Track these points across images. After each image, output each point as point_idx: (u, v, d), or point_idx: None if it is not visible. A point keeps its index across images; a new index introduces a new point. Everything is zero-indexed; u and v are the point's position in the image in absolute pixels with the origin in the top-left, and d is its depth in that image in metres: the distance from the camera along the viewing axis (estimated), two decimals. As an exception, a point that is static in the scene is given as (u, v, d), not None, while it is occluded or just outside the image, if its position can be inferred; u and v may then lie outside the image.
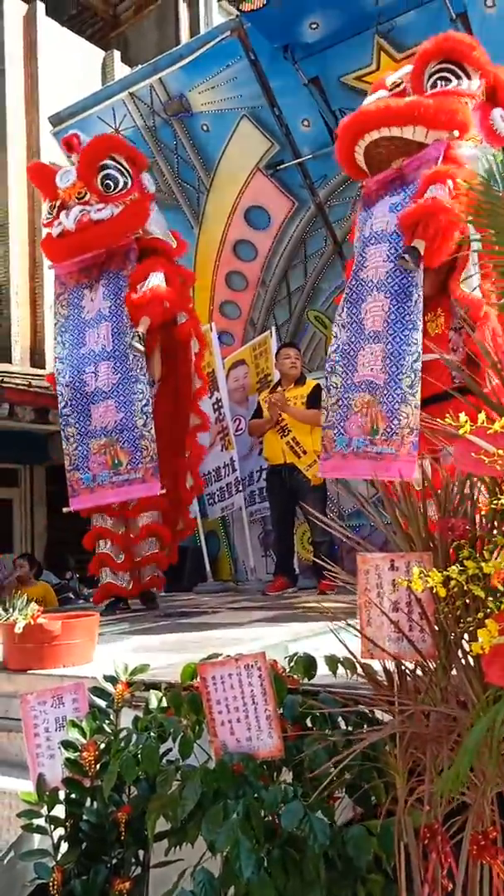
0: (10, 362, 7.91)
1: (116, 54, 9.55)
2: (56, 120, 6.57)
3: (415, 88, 3.71)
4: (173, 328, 4.84)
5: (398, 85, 3.80)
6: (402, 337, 3.32)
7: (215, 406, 5.98)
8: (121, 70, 9.34)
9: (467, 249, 3.28)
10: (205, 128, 6.00)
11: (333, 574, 1.99)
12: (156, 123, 6.09)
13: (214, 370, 5.91)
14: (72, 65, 8.98)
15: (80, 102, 6.44)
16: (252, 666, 1.88)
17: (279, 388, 5.18)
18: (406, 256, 3.29)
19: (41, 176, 4.79)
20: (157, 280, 4.46)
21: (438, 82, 3.63)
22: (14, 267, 8.28)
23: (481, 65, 3.65)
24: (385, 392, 3.34)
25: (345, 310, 3.64)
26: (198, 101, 5.88)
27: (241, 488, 5.88)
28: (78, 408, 4.50)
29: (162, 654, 2.85)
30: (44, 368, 8.06)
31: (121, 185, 4.58)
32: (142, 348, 4.35)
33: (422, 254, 3.31)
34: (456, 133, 3.46)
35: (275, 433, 5.08)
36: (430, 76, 3.67)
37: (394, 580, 1.82)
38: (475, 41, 3.78)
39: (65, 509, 4.63)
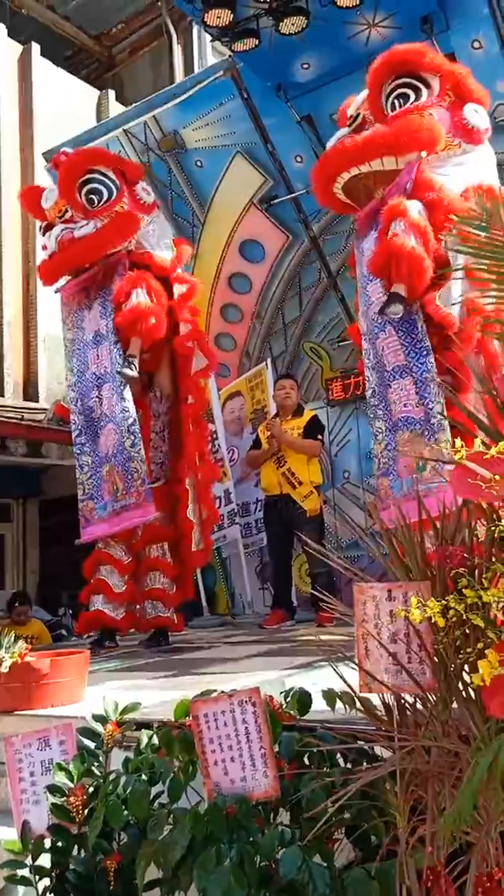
0: (2, 395, 7.89)
1: (111, 94, 9.72)
2: (51, 156, 6.64)
3: (374, 115, 3.58)
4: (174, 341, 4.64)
5: (355, 118, 3.68)
6: (430, 364, 3.25)
7: (210, 437, 5.94)
8: (115, 109, 9.49)
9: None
10: (199, 164, 6.08)
11: (331, 606, 1.93)
12: (150, 159, 6.17)
13: (210, 402, 5.88)
14: (66, 104, 9.12)
15: (74, 139, 6.52)
16: (246, 702, 1.81)
17: (276, 420, 5.16)
18: (389, 309, 3.19)
19: (30, 200, 4.72)
20: (137, 298, 4.27)
21: (396, 102, 3.48)
22: (7, 300, 8.30)
23: (437, 67, 3.49)
24: (430, 423, 3.24)
25: (370, 352, 3.55)
26: (192, 138, 5.96)
27: (236, 520, 5.82)
28: (91, 435, 4.35)
29: (154, 691, 2.77)
30: (36, 402, 8.03)
31: (105, 197, 4.38)
32: (131, 373, 4.17)
33: (404, 295, 3.24)
34: (424, 153, 3.34)
35: (271, 464, 5.05)
36: (387, 97, 3.52)
37: (391, 611, 1.77)
38: (423, 45, 3.62)
39: (77, 541, 4.42)
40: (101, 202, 4.38)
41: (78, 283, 4.51)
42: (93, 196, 4.39)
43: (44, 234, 4.62)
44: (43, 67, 9.08)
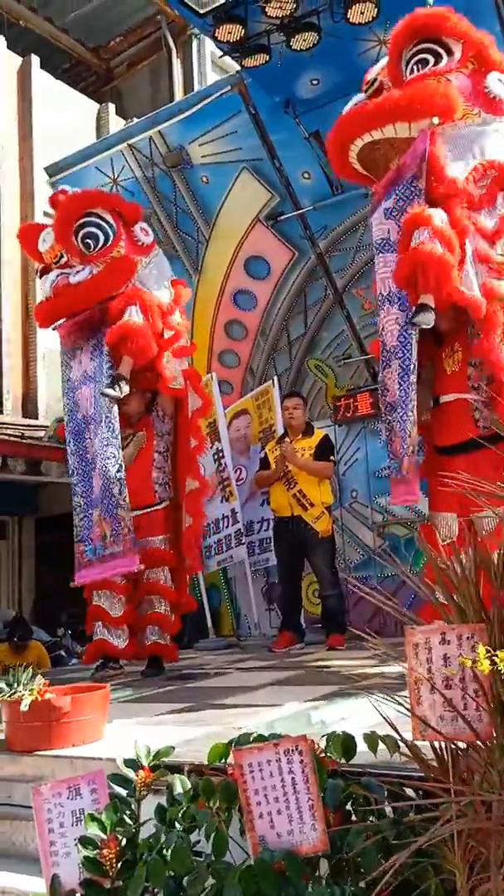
0: (1, 413, 7.79)
1: (111, 107, 9.69)
2: (53, 170, 6.60)
3: (394, 82, 3.41)
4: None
5: (373, 84, 3.53)
6: (410, 352, 3.17)
7: (216, 456, 5.87)
8: (115, 122, 9.46)
9: None
10: (204, 179, 6.03)
11: (374, 644, 1.85)
12: (154, 174, 6.12)
13: (216, 420, 5.81)
14: (66, 117, 9.08)
15: (77, 153, 6.47)
16: (293, 751, 1.72)
17: (286, 440, 5.08)
18: (418, 319, 3.08)
19: (27, 239, 4.62)
20: (129, 315, 4.15)
21: (416, 67, 3.30)
22: (6, 317, 8.22)
23: (461, 33, 3.30)
24: (399, 411, 3.19)
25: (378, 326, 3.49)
26: (197, 154, 5.91)
27: (242, 540, 5.73)
28: (83, 476, 4.26)
29: (177, 727, 2.68)
30: (36, 419, 7.93)
31: (101, 241, 4.28)
32: (114, 394, 4.05)
33: (433, 305, 3.16)
34: (436, 120, 3.16)
35: (281, 485, 4.97)
36: (407, 63, 3.35)
37: (446, 654, 1.69)
38: (447, 9, 3.41)
39: (71, 584, 4.34)
40: (98, 247, 4.28)
41: (74, 323, 4.42)
42: (89, 241, 4.29)
43: (40, 278, 4.54)
44: (42, 80, 9.04)
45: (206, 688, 3.70)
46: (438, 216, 3.09)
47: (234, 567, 6.05)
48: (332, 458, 5.01)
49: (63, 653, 6.72)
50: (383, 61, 3.58)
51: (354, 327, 6.13)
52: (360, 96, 3.60)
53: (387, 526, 5.60)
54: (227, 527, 5.88)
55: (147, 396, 4.47)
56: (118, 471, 4.09)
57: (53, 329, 4.65)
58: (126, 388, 4.11)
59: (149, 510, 4.32)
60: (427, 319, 3.06)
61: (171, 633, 4.41)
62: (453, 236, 3.07)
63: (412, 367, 3.18)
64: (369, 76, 3.61)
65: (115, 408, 4.18)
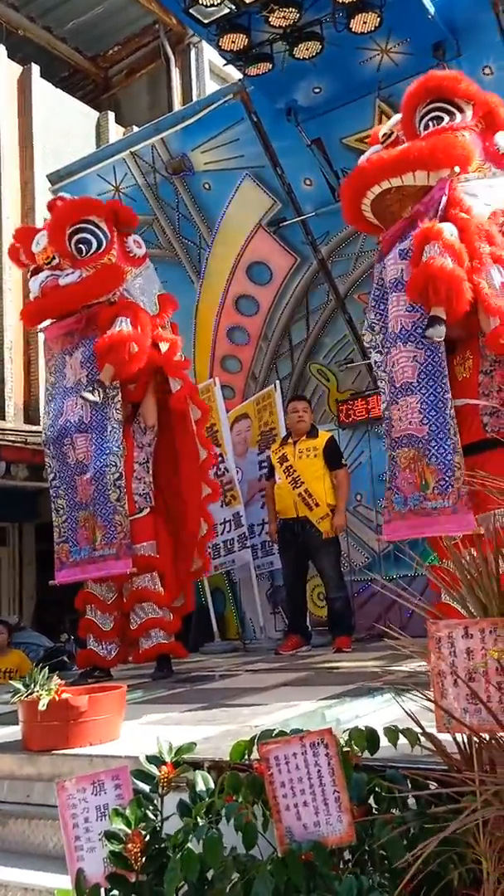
0: (3, 419, 7.79)
1: (111, 115, 9.73)
2: (55, 178, 6.64)
3: (407, 135, 3.62)
4: (166, 395, 4.59)
5: (389, 136, 3.73)
6: (443, 386, 3.23)
7: (217, 460, 5.88)
8: (115, 131, 9.51)
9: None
10: (207, 186, 6.08)
11: (400, 642, 1.88)
12: (157, 181, 6.17)
13: (216, 424, 5.84)
14: (66, 125, 9.13)
15: (79, 161, 6.53)
16: (318, 744, 1.75)
17: (289, 441, 5.11)
18: (430, 332, 3.16)
19: (23, 239, 4.69)
20: (119, 325, 4.20)
21: (430, 123, 3.51)
22: (8, 323, 8.23)
23: (472, 95, 3.54)
24: (433, 445, 3.22)
25: (385, 363, 3.52)
26: (200, 161, 5.96)
27: (246, 543, 5.75)
28: (66, 480, 4.34)
29: (192, 726, 2.69)
30: (37, 425, 7.93)
31: (94, 247, 4.35)
32: (91, 398, 4.14)
33: (444, 318, 3.20)
34: (457, 169, 3.35)
35: (286, 485, 5.00)
36: (421, 119, 3.56)
37: (469, 648, 1.72)
38: (459, 73, 3.66)
39: (51, 582, 4.47)
40: (90, 252, 4.36)
41: (61, 326, 4.48)
42: (81, 245, 4.36)
43: (31, 278, 4.59)
44: (42, 88, 9.09)
45: (216, 689, 3.72)
46: (448, 230, 3.19)
47: (238, 570, 6.06)
48: (343, 462, 5.08)
49: (66, 658, 6.68)
50: (396, 117, 3.76)
51: (356, 332, 6.17)
52: (375, 148, 3.75)
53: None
54: (228, 531, 5.89)
55: (128, 409, 4.49)
56: (118, 478, 4.18)
57: (41, 331, 4.73)
58: (100, 395, 4.19)
59: (131, 518, 4.31)
60: (439, 333, 3.15)
61: (174, 632, 4.42)
62: (464, 250, 3.16)
63: (447, 398, 3.23)
64: (383, 130, 3.80)
65: (119, 418, 4.24)
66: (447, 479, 3.18)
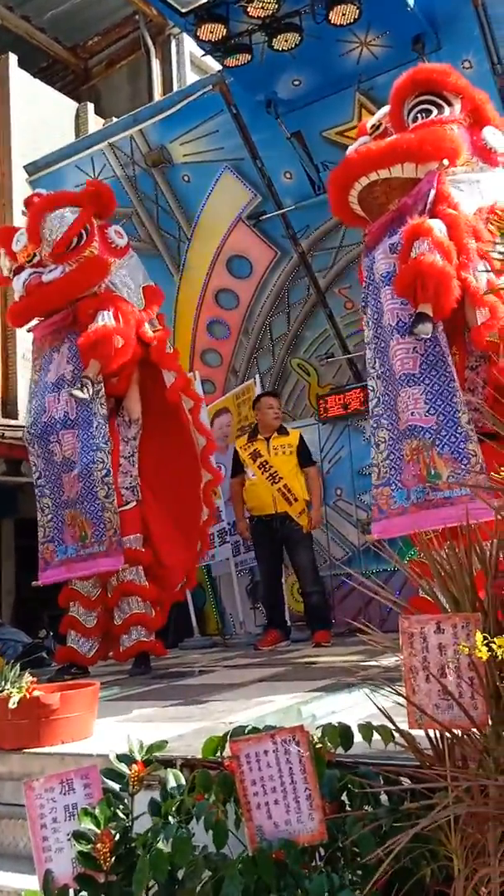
0: (-20, 413, 7.71)
1: (90, 106, 9.62)
2: (32, 169, 6.56)
3: (396, 128, 3.61)
4: (158, 385, 4.61)
5: (378, 127, 3.72)
6: (447, 374, 3.20)
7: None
8: (94, 122, 9.40)
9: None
10: (186, 178, 6.02)
11: (373, 639, 1.86)
12: (135, 173, 6.10)
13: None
14: (44, 116, 9.01)
15: (57, 152, 6.44)
16: (290, 741, 1.73)
17: (259, 437, 5.09)
18: (417, 329, 3.13)
19: (3, 240, 4.64)
20: (102, 319, 4.17)
21: (419, 116, 3.50)
22: (-16, 318, 8.13)
23: (461, 88, 3.53)
24: (443, 434, 3.18)
25: (376, 360, 3.48)
26: (179, 153, 5.91)
27: (226, 539, 5.73)
28: (51, 478, 4.30)
29: (166, 724, 2.67)
30: (16, 419, 7.85)
31: (74, 241, 4.30)
32: (80, 395, 4.10)
33: (431, 314, 3.18)
34: (446, 162, 3.34)
35: (263, 481, 4.97)
36: (409, 111, 3.55)
37: (440, 644, 1.71)
38: (449, 66, 3.66)
39: (34, 583, 4.42)
40: (71, 247, 4.31)
41: (49, 324, 4.44)
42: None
43: (13, 277, 4.53)
44: (20, 78, 8.96)
45: (193, 685, 3.70)
46: (438, 227, 3.17)
47: (217, 566, 6.04)
48: (314, 460, 5.14)
49: (45, 654, 6.63)
50: (384, 109, 3.73)
51: (337, 326, 6.16)
52: (364, 139, 3.73)
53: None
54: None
55: (112, 403, 4.47)
56: (106, 475, 4.16)
57: (28, 331, 4.66)
58: (89, 391, 4.15)
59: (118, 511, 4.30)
60: (426, 330, 3.13)
61: (156, 629, 4.42)
62: (452, 247, 3.15)
63: (454, 386, 3.21)
64: (371, 121, 3.78)
65: (104, 413, 4.21)
66: (464, 467, 3.14)
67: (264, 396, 5.32)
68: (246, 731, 1.86)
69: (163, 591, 4.57)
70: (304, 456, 5.05)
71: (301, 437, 5.14)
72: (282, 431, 5.10)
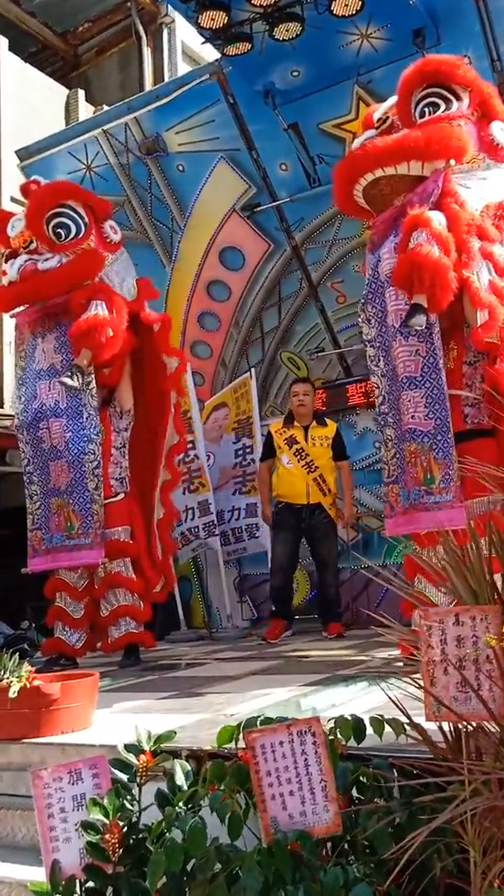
0: (-35, 401, 7.59)
1: (81, 93, 9.52)
2: (24, 154, 6.46)
3: (402, 121, 3.56)
4: (147, 377, 4.59)
5: (384, 120, 3.66)
6: (443, 378, 3.20)
7: (187, 447, 5.80)
8: (85, 108, 9.30)
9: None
10: (180, 168, 5.97)
11: (392, 630, 1.85)
12: (129, 161, 6.04)
13: (189, 411, 5.75)
14: (34, 101, 8.89)
15: (50, 138, 6.36)
16: (305, 732, 1.71)
17: (295, 424, 5.03)
18: (412, 321, 3.12)
19: None
20: (95, 309, 4.16)
21: (426, 110, 3.46)
22: (-30, 304, 7.98)
23: (469, 81, 3.49)
24: (439, 438, 3.20)
25: (380, 359, 3.46)
26: (174, 142, 5.85)
27: (215, 531, 5.70)
28: (39, 465, 4.26)
29: (166, 715, 2.64)
30: (2, 408, 7.75)
31: (73, 233, 4.31)
32: (71, 383, 4.07)
33: (426, 306, 3.17)
34: (453, 162, 3.31)
35: (299, 469, 4.91)
36: (416, 104, 3.50)
37: (459, 636, 1.70)
38: (458, 58, 3.62)
39: (23, 570, 4.37)
40: (68, 237, 4.31)
41: (36, 311, 4.38)
42: (60, 230, 4.30)
43: (6, 262, 4.48)
44: (11, 62, 8.84)
45: (186, 677, 3.67)
46: (437, 218, 3.15)
47: (205, 558, 6.01)
48: (348, 455, 5.14)
49: (27, 646, 6.56)
50: (391, 100, 3.67)
51: (328, 321, 6.15)
52: (370, 132, 3.68)
53: (360, 518, 5.64)
54: (197, 518, 5.82)
55: (104, 393, 4.44)
56: (96, 467, 4.16)
57: (12, 316, 4.60)
58: (79, 380, 4.12)
59: (106, 502, 4.28)
60: (420, 321, 3.12)
61: (144, 621, 4.40)
62: (451, 239, 3.13)
63: (445, 390, 3.22)
64: (377, 114, 3.71)
65: (95, 404, 4.18)
66: (450, 473, 3.16)
67: (293, 384, 5.24)
68: (259, 722, 1.84)
69: (148, 583, 4.53)
70: (338, 449, 5.01)
71: (338, 430, 5.10)
72: (321, 422, 5.06)
